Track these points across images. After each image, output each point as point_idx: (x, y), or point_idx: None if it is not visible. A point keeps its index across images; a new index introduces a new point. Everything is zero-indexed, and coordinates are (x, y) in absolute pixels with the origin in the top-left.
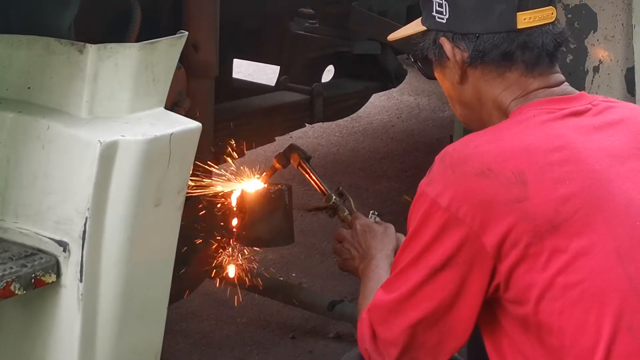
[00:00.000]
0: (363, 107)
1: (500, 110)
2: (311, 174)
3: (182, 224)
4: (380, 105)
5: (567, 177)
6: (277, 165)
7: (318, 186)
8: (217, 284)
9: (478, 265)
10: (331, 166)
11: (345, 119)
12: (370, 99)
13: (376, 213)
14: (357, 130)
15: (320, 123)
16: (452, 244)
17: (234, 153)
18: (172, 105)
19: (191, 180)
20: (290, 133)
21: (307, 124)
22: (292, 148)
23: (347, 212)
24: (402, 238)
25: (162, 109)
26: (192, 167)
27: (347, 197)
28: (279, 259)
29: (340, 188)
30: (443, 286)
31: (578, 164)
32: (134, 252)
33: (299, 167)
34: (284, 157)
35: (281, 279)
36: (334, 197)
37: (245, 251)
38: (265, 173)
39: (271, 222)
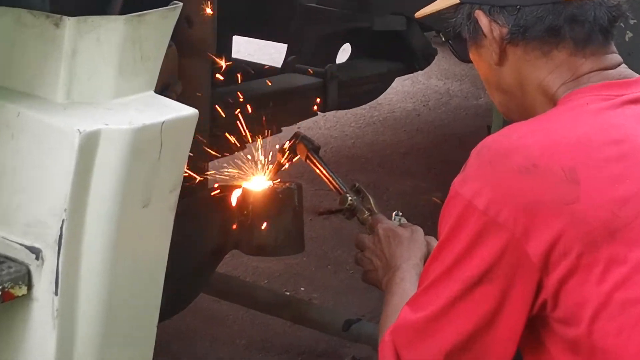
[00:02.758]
0: (384, 93)
1: (547, 96)
2: (322, 168)
3: None
4: (404, 90)
5: (626, 175)
6: (282, 159)
7: (331, 182)
8: None
9: (521, 279)
10: (346, 162)
11: (363, 106)
12: (393, 84)
13: (400, 214)
14: (377, 120)
15: (334, 112)
16: (491, 254)
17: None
18: (163, 88)
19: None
20: (298, 123)
21: (318, 113)
22: (297, 138)
23: (367, 213)
24: (434, 242)
25: (152, 92)
26: (187, 162)
27: (366, 195)
28: (286, 270)
29: (357, 184)
30: (480, 303)
31: (639, 159)
32: (119, 260)
33: (307, 160)
34: (289, 148)
35: (288, 293)
36: (350, 195)
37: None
38: (270, 169)
39: (278, 227)
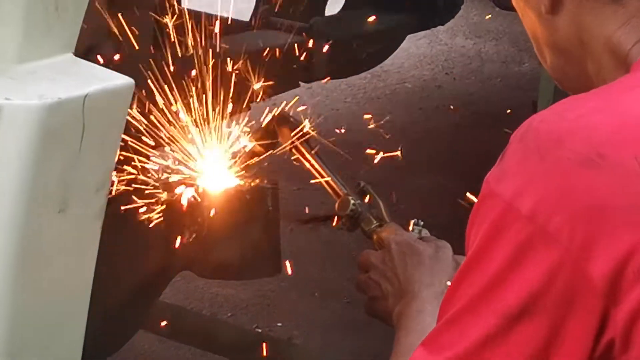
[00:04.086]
0: (391, 57)
1: (617, 58)
2: (314, 162)
3: None
4: (419, 53)
5: None
6: (259, 146)
7: (327, 181)
8: None
9: (579, 310)
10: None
11: (362, 75)
12: (403, 44)
13: (422, 223)
14: (382, 94)
15: (322, 81)
16: (538, 275)
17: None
18: (87, 49)
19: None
20: (273, 97)
21: (301, 83)
22: (281, 120)
23: (375, 223)
24: None
25: (71, 55)
26: (118, 150)
27: (375, 198)
28: (257, 300)
29: (363, 184)
30: (521, 344)
31: None
32: (26, 285)
33: (293, 150)
34: (269, 133)
35: (259, 330)
36: (353, 199)
37: None
38: (237, 160)
39: (244, 240)
